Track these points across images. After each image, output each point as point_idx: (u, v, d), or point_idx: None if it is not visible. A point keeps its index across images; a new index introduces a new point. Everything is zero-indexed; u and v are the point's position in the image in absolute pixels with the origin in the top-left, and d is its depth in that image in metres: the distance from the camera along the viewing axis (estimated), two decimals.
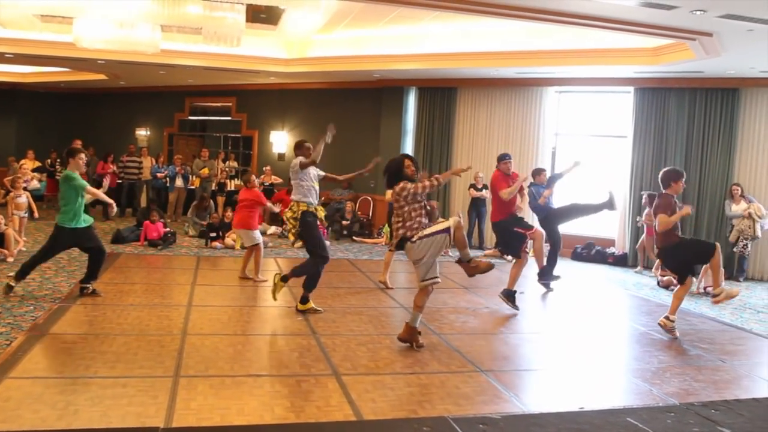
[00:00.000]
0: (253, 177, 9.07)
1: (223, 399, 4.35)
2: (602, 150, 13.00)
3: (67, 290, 7.23)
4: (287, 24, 11.69)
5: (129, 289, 7.59)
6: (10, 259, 8.85)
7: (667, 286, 9.61)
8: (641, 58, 10.04)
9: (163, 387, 4.48)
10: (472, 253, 6.07)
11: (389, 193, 5.97)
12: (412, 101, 14.05)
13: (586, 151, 13.08)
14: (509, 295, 7.58)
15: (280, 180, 14.62)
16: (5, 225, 9.19)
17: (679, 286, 6.74)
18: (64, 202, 6.81)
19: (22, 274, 6.91)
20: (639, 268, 11.38)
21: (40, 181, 14.00)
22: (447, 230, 5.55)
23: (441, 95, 13.61)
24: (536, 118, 12.85)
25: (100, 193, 7.26)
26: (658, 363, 5.85)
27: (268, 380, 4.78)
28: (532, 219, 9.92)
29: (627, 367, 5.77)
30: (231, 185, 15.09)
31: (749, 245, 10.53)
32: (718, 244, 6.55)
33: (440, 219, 6.04)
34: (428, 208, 5.83)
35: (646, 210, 10.78)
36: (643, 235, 11.22)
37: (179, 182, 14.76)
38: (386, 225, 12.61)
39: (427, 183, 5.66)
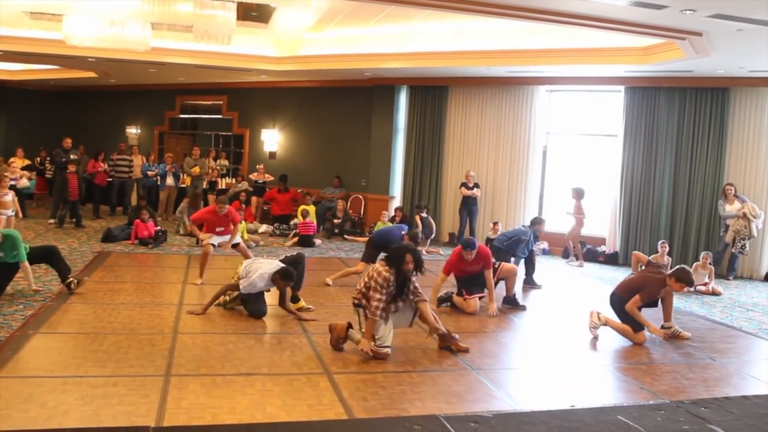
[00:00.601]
0: (225, 205, 8.53)
1: (215, 398, 4.34)
2: (593, 149, 13.04)
3: (57, 289, 7.19)
4: (278, 22, 11.66)
5: (120, 288, 7.56)
6: None
7: None
8: (632, 58, 10.06)
9: (154, 386, 4.47)
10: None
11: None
12: (403, 100, 14.05)
13: (577, 149, 13.18)
14: (511, 302, 7.74)
15: (272, 178, 14.60)
16: None
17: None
18: None
19: None
20: (580, 261, 11.51)
21: (29, 179, 13.90)
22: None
23: (432, 94, 13.61)
24: (527, 117, 12.86)
25: None
26: (648, 361, 5.89)
27: (260, 379, 4.77)
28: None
29: (617, 365, 5.80)
30: (222, 183, 15.04)
31: (747, 245, 10.55)
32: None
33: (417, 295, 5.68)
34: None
35: (574, 203, 11.52)
36: (572, 227, 11.56)
37: (170, 181, 14.70)
38: (377, 223, 12.61)
39: (374, 304, 5.35)
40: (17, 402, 4.07)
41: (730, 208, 10.66)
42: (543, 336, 6.72)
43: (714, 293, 9.40)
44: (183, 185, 14.85)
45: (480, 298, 7.41)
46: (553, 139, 13.21)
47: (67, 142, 13.03)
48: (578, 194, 11.58)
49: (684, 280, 6.28)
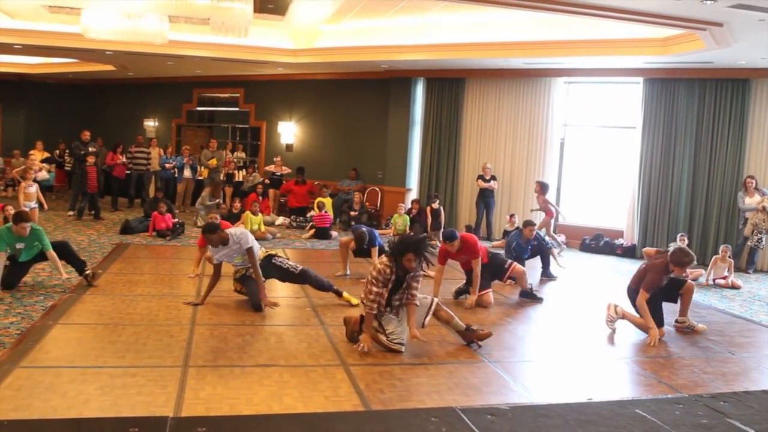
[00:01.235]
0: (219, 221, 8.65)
1: (232, 389, 4.37)
2: (611, 141, 12.94)
3: (76, 281, 7.26)
4: (295, 14, 11.67)
5: (138, 280, 7.63)
6: None
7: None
8: (651, 49, 9.95)
9: (172, 377, 4.51)
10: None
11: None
12: (420, 92, 14.00)
13: (595, 142, 13.08)
14: (528, 294, 7.74)
15: (289, 170, 14.63)
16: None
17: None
18: None
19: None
20: (560, 250, 11.21)
21: (49, 171, 14.05)
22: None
23: (449, 86, 13.55)
24: (545, 109, 12.77)
25: None
26: (666, 354, 5.84)
27: (277, 370, 4.80)
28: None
29: (635, 359, 5.75)
30: (239, 176, 15.12)
31: (764, 239, 10.41)
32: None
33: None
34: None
35: (537, 197, 11.70)
36: (541, 220, 11.52)
37: (187, 173, 14.81)
38: (394, 216, 12.61)
39: (369, 297, 5.32)
40: (38, 392, 4.12)
41: (750, 200, 10.52)
42: (560, 329, 6.68)
43: (733, 287, 9.30)
44: (200, 177, 14.94)
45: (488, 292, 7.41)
46: (571, 131, 13.11)
47: (86, 135, 13.14)
48: (542, 188, 11.61)
49: (676, 262, 6.06)
